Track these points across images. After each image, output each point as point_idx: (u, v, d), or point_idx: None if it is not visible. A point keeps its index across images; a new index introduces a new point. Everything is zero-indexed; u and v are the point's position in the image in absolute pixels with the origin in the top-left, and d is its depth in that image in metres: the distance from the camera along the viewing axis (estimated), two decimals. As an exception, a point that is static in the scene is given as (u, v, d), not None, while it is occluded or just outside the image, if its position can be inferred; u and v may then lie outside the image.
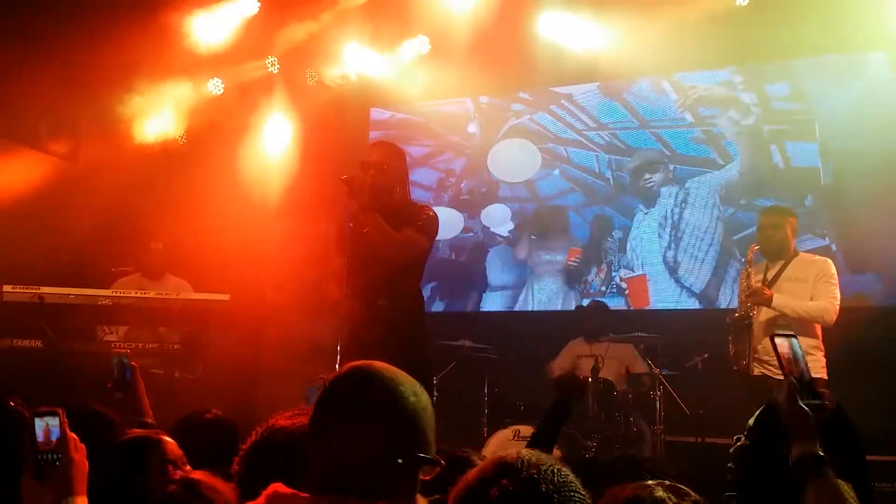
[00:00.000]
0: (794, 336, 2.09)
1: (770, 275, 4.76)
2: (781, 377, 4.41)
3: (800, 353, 2.06)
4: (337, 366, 3.90)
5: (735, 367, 4.75)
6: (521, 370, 6.16)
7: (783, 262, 4.76)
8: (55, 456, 2.01)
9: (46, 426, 2.04)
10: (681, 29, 6.02)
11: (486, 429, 5.74)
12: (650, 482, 1.52)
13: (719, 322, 5.79)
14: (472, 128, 7.41)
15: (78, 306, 5.15)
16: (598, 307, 6.32)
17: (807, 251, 5.17)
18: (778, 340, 2.06)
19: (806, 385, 1.99)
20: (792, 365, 2.03)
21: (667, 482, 1.53)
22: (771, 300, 4.60)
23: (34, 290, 5.07)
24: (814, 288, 4.64)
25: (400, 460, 1.45)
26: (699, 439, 5.43)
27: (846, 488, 1.83)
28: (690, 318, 6.28)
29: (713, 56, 6.52)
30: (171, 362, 5.18)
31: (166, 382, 4.98)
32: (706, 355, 5.56)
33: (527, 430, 5.24)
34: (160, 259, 5.93)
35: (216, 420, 2.62)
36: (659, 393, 5.51)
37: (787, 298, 4.59)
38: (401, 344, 3.88)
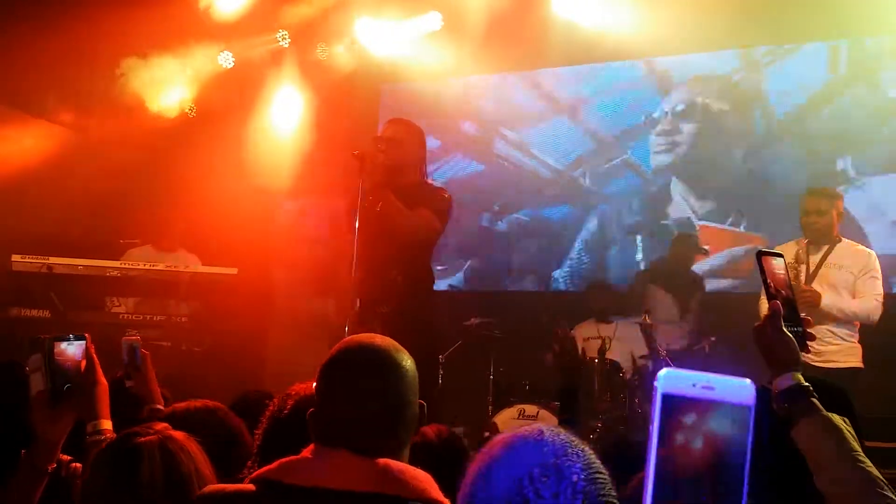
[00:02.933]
0: (781, 255, 1.89)
1: (812, 261, 4.58)
2: (819, 363, 4.34)
3: (787, 273, 1.87)
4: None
5: None
6: (527, 350, 6.15)
7: (827, 246, 4.59)
8: (76, 380, 2.01)
9: (70, 351, 2.04)
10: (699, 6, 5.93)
11: (491, 408, 5.75)
12: None
13: (729, 305, 5.78)
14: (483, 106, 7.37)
15: (87, 277, 5.16)
16: (601, 287, 6.30)
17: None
18: (765, 258, 1.85)
19: (791, 309, 1.81)
20: (779, 286, 1.84)
21: None
22: (819, 302, 4.38)
23: (43, 261, 5.08)
24: (857, 283, 4.47)
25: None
26: (704, 422, 5.42)
27: (839, 421, 1.67)
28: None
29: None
30: (179, 335, 5.20)
31: (174, 355, 5.00)
32: (713, 338, 5.55)
33: (532, 409, 5.24)
34: (179, 236, 5.94)
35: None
36: (665, 375, 5.49)
37: (835, 299, 4.42)
38: (409, 320, 3.87)
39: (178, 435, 1.74)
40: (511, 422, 5.25)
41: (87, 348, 2.06)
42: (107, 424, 2.01)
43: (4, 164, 5.83)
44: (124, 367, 2.77)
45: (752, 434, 0.84)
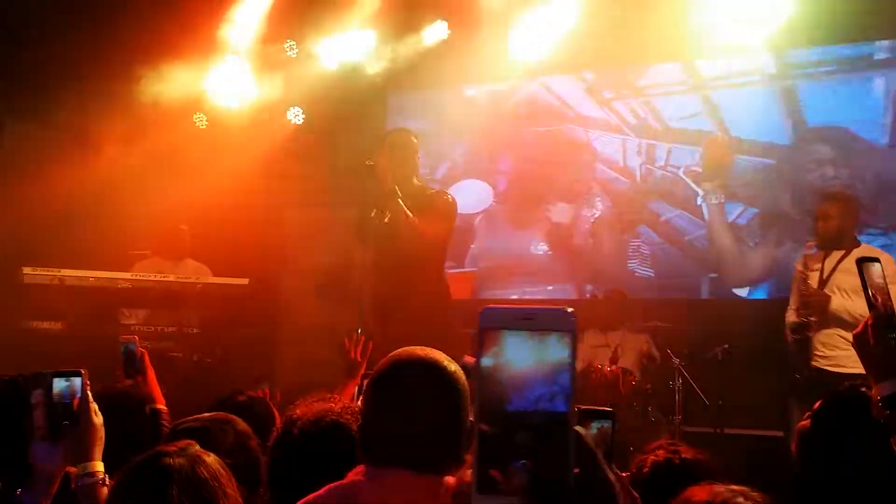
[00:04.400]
0: (878, 261, 1.87)
1: (827, 267, 4.55)
2: (828, 367, 4.32)
3: (885, 280, 1.84)
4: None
5: (797, 375, 4.54)
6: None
7: (843, 251, 4.53)
8: (74, 418, 1.95)
9: (69, 387, 1.98)
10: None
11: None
12: (724, 487, 1.47)
13: (740, 312, 5.72)
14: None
15: (98, 289, 5.17)
16: (616, 295, 6.26)
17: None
18: (866, 265, 1.83)
19: (891, 317, 1.79)
20: (880, 294, 1.81)
21: (737, 487, 1.47)
22: (827, 306, 4.42)
23: (55, 273, 5.10)
24: None
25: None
26: (718, 430, 5.38)
27: None
28: (710, 308, 6.23)
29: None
30: (190, 346, 5.21)
31: (185, 366, 5.01)
32: (726, 346, 5.51)
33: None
34: (184, 242, 5.93)
35: (249, 401, 2.58)
36: (678, 383, 5.46)
37: (845, 302, 4.37)
38: (423, 328, 3.86)
39: (209, 458, 1.64)
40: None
41: (82, 385, 1.98)
42: (98, 466, 1.92)
43: (13, 176, 5.85)
44: (123, 367, 2.77)
45: (573, 358, 0.85)
